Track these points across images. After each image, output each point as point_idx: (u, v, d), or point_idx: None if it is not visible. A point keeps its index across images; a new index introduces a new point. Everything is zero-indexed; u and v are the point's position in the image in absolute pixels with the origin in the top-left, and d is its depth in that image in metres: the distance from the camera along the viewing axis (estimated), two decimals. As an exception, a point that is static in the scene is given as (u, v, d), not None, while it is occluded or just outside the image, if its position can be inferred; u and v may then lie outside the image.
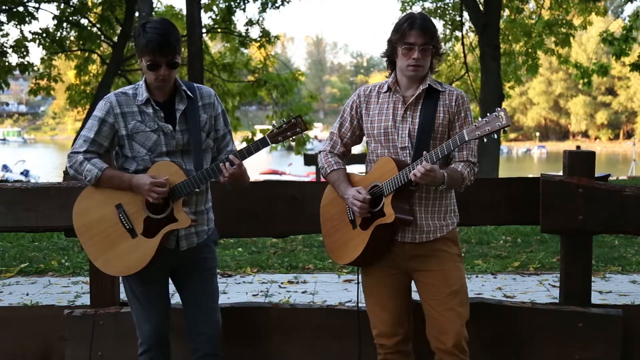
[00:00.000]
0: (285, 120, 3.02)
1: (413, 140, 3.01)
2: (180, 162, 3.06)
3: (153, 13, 14.85)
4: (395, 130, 3.05)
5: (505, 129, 2.77)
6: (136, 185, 2.99)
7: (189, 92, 3.12)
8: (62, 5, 18.88)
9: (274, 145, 3.03)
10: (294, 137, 3.01)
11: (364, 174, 3.18)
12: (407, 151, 3.02)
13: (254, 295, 5.83)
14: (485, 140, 2.83)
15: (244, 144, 3.26)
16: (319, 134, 62.41)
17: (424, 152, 2.89)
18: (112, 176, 3.04)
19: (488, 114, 2.82)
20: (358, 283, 3.29)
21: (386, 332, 3.12)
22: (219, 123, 3.20)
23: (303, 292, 5.92)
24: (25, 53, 18.27)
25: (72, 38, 19.70)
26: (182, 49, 3.02)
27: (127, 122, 3.05)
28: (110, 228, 3.05)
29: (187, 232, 3.10)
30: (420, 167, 2.82)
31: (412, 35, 2.95)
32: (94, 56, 20.35)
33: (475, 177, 3.09)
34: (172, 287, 3.26)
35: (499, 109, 2.82)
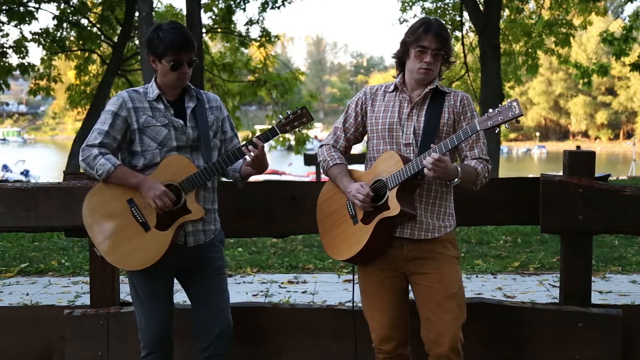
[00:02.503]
0: (291, 111, 3.09)
1: (418, 137, 3.04)
2: (190, 158, 3.09)
3: (153, 13, 14.81)
4: (400, 127, 3.07)
5: (518, 118, 2.80)
6: (148, 187, 3.00)
7: (197, 94, 3.19)
8: (62, 5, 18.87)
9: (282, 134, 3.11)
10: (300, 128, 3.09)
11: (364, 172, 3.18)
12: (411, 148, 3.04)
13: (254, 295, 5.83)
14: (497, 130, 2.86)
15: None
16: (319, 134, 62.28)
17: (432, 145, 2.91)
18: (124, 172, 3.05)
19: (500, 105, 2.85)
20: (353, 281, 3.28)
21: (385, 336, 3.11)
22: (226, 126, 3.26)
23: (303, 292, 5.92)
24: (25, 53, 18.27)
25: (72, 38, 19.70)
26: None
27: (139, 117, 3.09)
28: (123, 223, 3.05)
29: (194, 229, 3.11)
30: (429, 158, 2.83)
31: (427, 40, 3.00)
32: (94, 56, 20.36)
33: (489, 174, 3.09)
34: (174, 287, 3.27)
35: (510, 99, 2.85)
